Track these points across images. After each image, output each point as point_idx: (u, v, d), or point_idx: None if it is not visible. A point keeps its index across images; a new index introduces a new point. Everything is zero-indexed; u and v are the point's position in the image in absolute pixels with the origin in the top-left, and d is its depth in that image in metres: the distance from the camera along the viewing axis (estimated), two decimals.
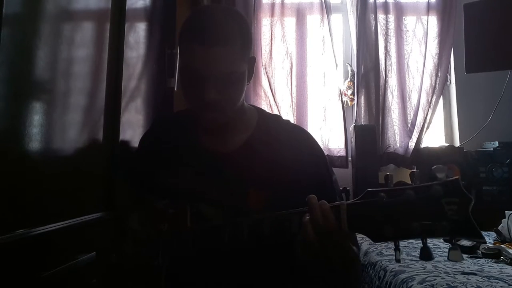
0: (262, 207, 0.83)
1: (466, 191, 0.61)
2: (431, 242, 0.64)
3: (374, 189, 0.66)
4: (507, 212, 1.48)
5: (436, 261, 1.18)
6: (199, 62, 0.80)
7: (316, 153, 0.95)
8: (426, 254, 0.62)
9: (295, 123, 2.30)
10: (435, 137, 2.47)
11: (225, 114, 0.86)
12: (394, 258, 0.64)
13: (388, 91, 2.37)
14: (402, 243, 0.70)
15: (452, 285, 1.00)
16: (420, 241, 0.63)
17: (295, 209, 0.72)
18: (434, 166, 0.63)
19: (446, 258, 1.21)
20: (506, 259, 1.24)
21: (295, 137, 0.95)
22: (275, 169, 0.87)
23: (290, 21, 2.42)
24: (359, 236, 0.77)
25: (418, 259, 1.22)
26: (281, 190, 0.84)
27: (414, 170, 2.19)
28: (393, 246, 0.65)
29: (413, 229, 0.61)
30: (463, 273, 1.09)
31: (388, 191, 0.64)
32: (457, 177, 0.61)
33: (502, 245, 1.34)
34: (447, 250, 1.29)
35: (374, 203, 0.64)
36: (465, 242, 1.24)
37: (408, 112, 2.37)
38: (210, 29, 0.80)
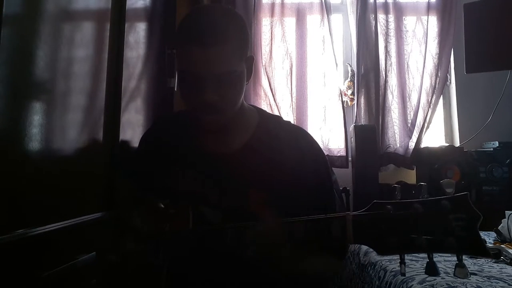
0: (263, 208, 0.83)
1: (466, 193, 0.60)
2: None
3: (381, 201, 0.65)
4: (507, 212, 1.48)
5: (436, 261, 1.18)
6: (197, 63, 0.80)
7: (316, 154, 0.95)
8: (432, 270, 0.61)
9: (295, 123, 2.30)
10: (435, 137, 2.47)
11: (225, 115, 0.85)
12: (398, 267, 0.64)
13: (388, 91, 2.37)
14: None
15: (452, 285, 1.00)
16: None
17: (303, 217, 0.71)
18: (443, 181, 0.62)
19: (446, 258, 1.21)
20: (506, 259, 1.24)
21: (296, 138, 0.94)
22: (276, 170, 0.87)
23: (290, 21, 2.42)
24: None
25: (418, 259, 1.22)
26: (281, 192, 0.84)
27: (415, 173, 2.19)
28: (399, 259, 0.64)
29: (419, 244, 0.61)
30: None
31: (395, 204, 0.64)
32: (465, 192, 0.61)
33: (502, 245, 1.34)
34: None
35: (380, 216, 0.64)
36: None
37: (408, 112, 2.37)
38: (206, 29, 0.80)
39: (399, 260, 0.64)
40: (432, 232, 0.60)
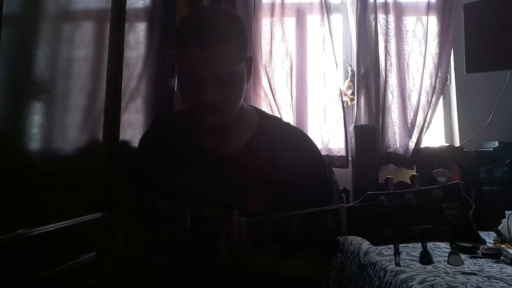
0: (262, 208, 0.83)
1: (466, 193, 0.60)
2: (430, 243, 0.64)
3: (374, 192, 0.65)
4: (507, 212, 1.47)
5: (436, 261, 1.18)
6: (197, 64, 0.80)
7: (315, 156, 0.96)
8: (425, 258, 0.62)
9: (295, 123, 2.31)
10: (435, 137, 2.47)
11: (225, 116, 0.85)
12: (394, 260, 0.64)
13: (388, 91, 2.37)
14: (402, 245, 0.71)
15: (452, 285, 0.99)
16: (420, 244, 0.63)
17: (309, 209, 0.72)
18: (435, 170, 0.62)
19: (446, 258, 1.21)
20: (506, 259, 1.23)
21: (295, 140, 0.95)
22: (276, 171, 0.87)
23: (290, 21, 2.42)
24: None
25: (418, 259, 1.22)
26: (280, 192, 0.84)
27: (415, 173, 2.19)
28: (393, 249, 0.64)
29: (412, 233, 0.61)
30: (463, 273, 1.09)
31: (388, 195, 0.64)
32: (457, 181, 0.61)
33: (502, 245, 1.34)
34: (447, 251, 1.29)
35: (374, 206, 0.64)
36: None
37: (408, 112, 2.37)
38: (205, 30, 0.80)
39: (394, 251, 0.64)
40: (426, 221, 0.61)
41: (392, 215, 0.63)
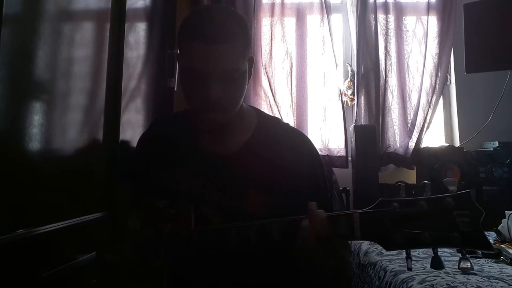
0: (261, 209, 0.83)
1: (468, 190, 0.62)
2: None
3: (387, 199, 0.67)
4: (507, 212, 1.48)
5: None
6: (201, 60, 0.80)
7: (313, 157, 0.96)
8: (437, 263, 0.64)
9: (295, 123, 2.31)
10: (435, 137, 2.48)
11: (227, 114, 0.85)
12: (399, 266, 0.66)
13: (388, 91, 2.37)
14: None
15: (452, 285, 1.00)
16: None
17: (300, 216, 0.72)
18: (445, 179, 0.64)
19: (446, 259, 1.21)
20: (506, 259, 1.24)
21: (294, 140, 0.95)
22: (275, 171, 0.87)
23: (290, 21, 2.43)
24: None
25: (418, 259, 1.22)
26: (279, 192, 0.84)
27: (415, 173, 2.19)
28: (405, 254, 0.66)
29: (424, 239, 0.63)
30: (463, 273, 1.09)
31: (400, 201, 0.66)
32: (468, 190, 0.63)
33: (502, 245, 1.34)
34: (447, 251, 1.30)
35: (387, 212, 0.66)
36: None
37: (408, 112, 2.37)
38: (211, 26, 0.80)
39: (405, 256, 0.66)
40: (437, 228, 0.63)
41: (404, 221, 0.64)
